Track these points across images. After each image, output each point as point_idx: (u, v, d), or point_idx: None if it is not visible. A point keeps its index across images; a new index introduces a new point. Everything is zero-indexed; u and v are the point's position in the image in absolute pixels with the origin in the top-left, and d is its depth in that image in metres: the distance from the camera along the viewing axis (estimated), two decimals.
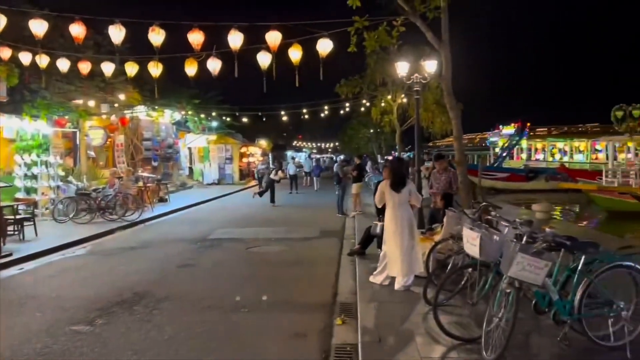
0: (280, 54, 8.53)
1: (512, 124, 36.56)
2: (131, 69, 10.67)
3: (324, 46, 8.03)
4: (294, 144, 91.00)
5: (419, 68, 10.92)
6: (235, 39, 8.13)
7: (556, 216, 19.64)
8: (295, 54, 8.45)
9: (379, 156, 40.43)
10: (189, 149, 32.55)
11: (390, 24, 7.89)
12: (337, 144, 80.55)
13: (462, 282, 5.98)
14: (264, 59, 8.60)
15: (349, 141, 50.25)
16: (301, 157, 75.97)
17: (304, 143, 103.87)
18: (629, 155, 25.16)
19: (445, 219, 7.29)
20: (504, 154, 34.77)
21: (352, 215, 15.62)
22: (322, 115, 29.90)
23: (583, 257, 4.65)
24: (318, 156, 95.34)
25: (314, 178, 29.76)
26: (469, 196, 7.79)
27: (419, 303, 6.13)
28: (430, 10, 7.19)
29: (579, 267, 4.64)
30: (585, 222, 19.31)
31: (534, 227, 5.96)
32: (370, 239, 9.20)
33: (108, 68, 11.04)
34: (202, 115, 29.14)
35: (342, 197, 16.87)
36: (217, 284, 8.13)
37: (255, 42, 8.80)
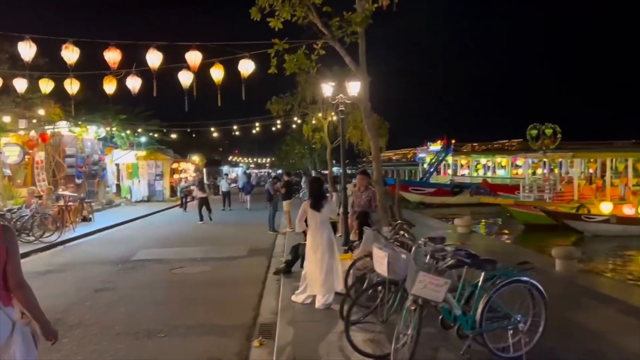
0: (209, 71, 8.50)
1: (439, 141, 38.13)
2: (46, 85, 10.23)
3: (246, 67, 8.10)
4: (229, 159, 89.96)
5: (344, 89, 11.20)
6: (154, 58, 8.03)
7: (479, 230, 20.57)
8: (217, 73, 8.45)
9: (313, 172, 40.80)
10: (117, 165, 31.42)
11: (311, 47, 8.08)
12: (273, 159, 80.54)
13: (379, 300, 6.15)
14: (185, 78, 8.54)
15: (285, 157, 50.45)
16: (238, 172, 75.30)
17: (241, 158, 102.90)
18: (545, 171, 26.89)
19: (363, 237, 7.48)
20: (432, 170, 36.16)
21: (283, 232, 15.65)
22: (254, 131, 29.89)
23: (482, 274, 4.92)
24: (256, 171, 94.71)
25: (246, 196, 27.91)
26: (387, 214, 8.03)
27: (337, 321, 6.23)
28: (348, 36, 7.44)
29: (479, 284, 4.90)
30: (504, 236, 20.30)
31: (444, 243, 6.28)
32: (297, 257, 9.25)
33: (20, 85, 10.53)
34: (129, 132, 28.28)
35: (273, 214, 16.86)
36: (135, 308, 7.87)
37: (178, 60, 8.74)
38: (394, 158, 63.28)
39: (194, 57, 7.94)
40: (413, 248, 5.16)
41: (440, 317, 5.08)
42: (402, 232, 5.96)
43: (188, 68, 8.31)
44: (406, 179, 48.19)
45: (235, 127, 29.04)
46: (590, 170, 24.04)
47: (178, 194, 28.16)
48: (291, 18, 7.53)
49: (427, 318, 5.34)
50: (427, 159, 38.74)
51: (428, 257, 4.83)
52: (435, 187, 33.28)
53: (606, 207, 18.27)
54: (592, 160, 23.59)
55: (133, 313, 7.55)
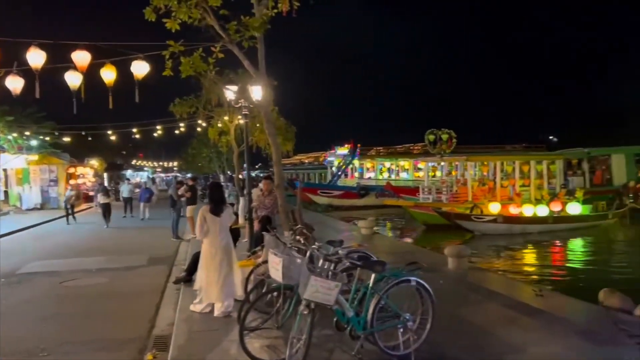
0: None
1: (346, 145, 39.15)
2: None
3: (140, 68, 7.78)
4: (133, 162, 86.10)
5: (249, 92, 11.11)
6: (36, 57, 7.47)
7: (380, 231, 21.31)
8: (108, 74, 8.05)
9: (222, 176, 40.11)
10: (4, 170, 28.88)
11: (210, 49, 7.93)
12: (181, 162, 78.20)
13: (278, 305, 6.15)
14: (72, 79, 8.03)
15: (192, 160, 49.12)
16: (143, 176, 72.12)
17: (147, 162, 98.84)
18: (443, 174, 28.46)
19: (264, 242, 7.45)
20: (340, 173, 37.02)
21: (188, 239, 15.22)
22: (156, 134, 28.78)
23: (373, 275, 5.09)
24: (163, 175, 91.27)
25: (141, 204, 23.91)
26: (288, 219, 8.07)
27: (236, 329, 6.13)
28: (246, 40, 7.39)
29: (370, 285, 5.06)
30: (405, 236, 21.20)
31: (342, 246, 6.43)
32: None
33: None
34: (15, 134, 26.07)
35: (177, 220, 16.34)
36: (17, 326, 7.26)
37: (67, 60, 8.19)
38: (305, 161, 64.00)
39: (81, 58, 7.50)
40: (308, 253, 5.23)
41: (334, 319, 5.18)
42: (298, 237, 6.00)
43: (76, 68, 7.83)
44: (317, 182, 48.87)
45: (135, 130, 27.72)
46: (485, 173, 25.76)
47: (63, 204, 24.61)
48: (188, 20, 7.34)
49: (324, 320, 5.46)
50: (336, 163, 39.60)
51: (321, 261, 4.91)
52: (343, 190, 34.07)
53: (494, 208, 19.66)
54: (485, 163, 25.30)
55: (14, 332, 6.96)
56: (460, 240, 17.08)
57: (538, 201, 20.42)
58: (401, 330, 5.15)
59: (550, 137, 58.81)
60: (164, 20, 7.51)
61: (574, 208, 19.86)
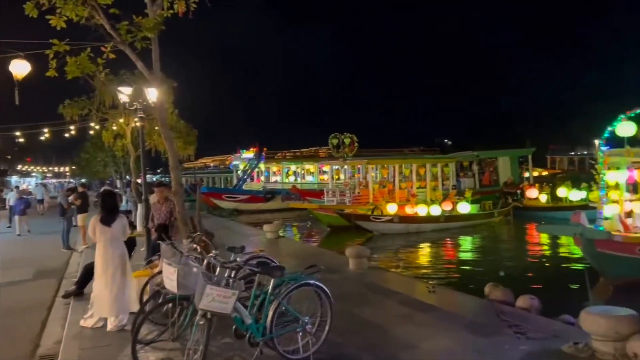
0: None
1: (251, 148, 38.90)
2: None
3: (20, 68, 7.17)
4: (20, 168, 79.45)
5: (144, 94, 10.65)
6: None
7: (286, 234, 21.43)
8: None
9: (118, 182, 38.11)
10: None
11: (100, 49, 7.50)
12: (74, 167, 73.24)
13: (175, 316, 5.95)
14: None
15: (87, 165, 46.15)
16: (31, 183, 66.53)
17: (35, 167, 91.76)
18: (347, 176, 29.19)
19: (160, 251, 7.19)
20: (245, 177, 36.69)
21: (80, 249, 14.29)
22: (43, 138, 26.71)
23: (272, 281, 5.10)
24: (54, 181, 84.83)
25: (15, 217, 20.47)
26: (187, 226, 7.84)
27: (130, 343, 5.85)
28: (139, 41, 7.08)
29: (269, 290, 5.06)
30: (311, 239, 21.47)
31: (244, 252, 6.36)
32: (90, 277, 8.47)
33: None
34: None
35: (67, 230, 15.28)
36: None
37: None
38: (211, 165, 62.59)
39: None
40: (205, 261, 5.12)
41: (234, 327, 5.12)
42: (195, 246, 5.85)
43: None
44: (222, 186, 47.98)
45: (18, 134, 25.53)
46: (385, 176, 26.76)
47: None
48: (75, 17, 6.89)
49: (224, 329, 5.38)
50: (241, 166, 39.18)
51: (218, 268, 4.82)
52: (249, 194, 33.79)
53: (392, 208, 20.51)
54: (385, 166, 26.32)
55: None
56: (361, 241, 17.61)
57: (433, 201, 21.60)
58: (300, 333, 5.21)
59: (445, 141, 62.44)
60: (48, 17, 6.99)
61: (464, 207, 21.28)
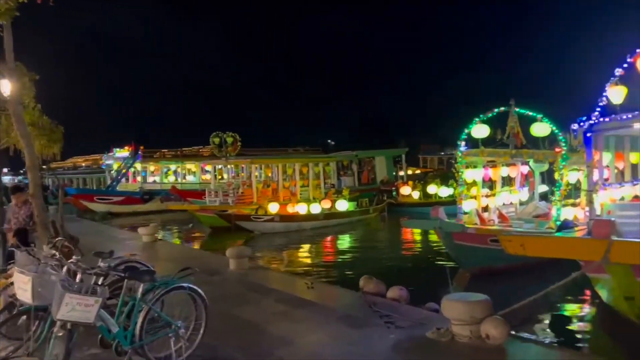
0: None
1: (126, 147, 36.78)
2: None
3: None
4: None
5: None
6: None
7: (166, 237, 20.63)
8: None
9: None
10: None
11: None
12: None
13: (32, 330, 5.44)
14: None
15: None
16: None
17: None
18: (230, 176, 28.81)
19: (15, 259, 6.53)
20: (120, 177, 34.61)
21: None
22: None
23: (141, 286, 4.87)
24: None
25: None
26: (48, 231, 7.21)
27: None
28: None
29: (138, 296, 4.83)
30: (192, 241, 20.88)
31: (113, 256, 6.00)
32: None
33: None
34: None
35: None
36: None
37: None
38: (83, 164, 58.07)
39: None
40: (65, 268, 4.76)
41: (100, 336, 4.82)
42: (54, 252, 5.39)
43: None
44: (94, 187, 44.83)
45: None
46: (269, 175, 26.84)
47: None
48: None
49: (91, 339, 5.04)
50: (115, 166, 36.88)
51: (79, 275, 4.50)
52: (124, 196, 31.93)
53: (273, 208, 20.63)
54: (269, 165, 26.38)
55: None
56: (243, 241, 17.50)
57: (315, 199, 22.12)
58: (173, 338, 5.04)
59: (329, 141, 64.05)
60: None
61: (342, 205, 22.10)
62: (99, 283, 4.94)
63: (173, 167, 38.29)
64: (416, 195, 26.25)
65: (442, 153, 39.23)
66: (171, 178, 37.57)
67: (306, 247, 17.45)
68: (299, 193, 22.71)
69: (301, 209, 20.93)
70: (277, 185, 23.25)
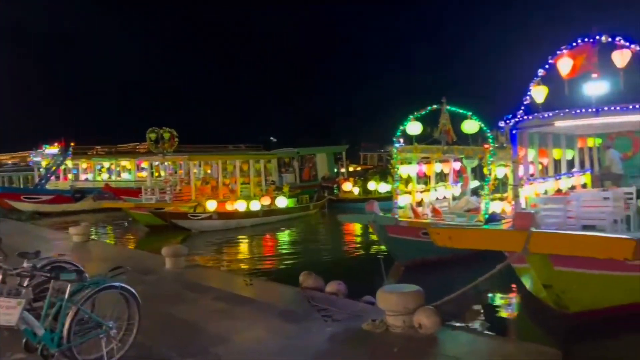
0: None
1: (56, 144, 35.00)
2: None
3: None
4: None
5: None
6: None
7: (100, 236, 19.90)
8: None
9: None
10: None
11: None
12: None
13: None
14: None
15: None
16: None
17: None
18: (168, 173, 28.09)
19: None
20: (49, 175, 32.87)
21: None
22: None
23: (69, 286, 4.69)
24: None
25: None
26: None
27: None
28: None
29: (66, 297, 4.65)
30: (127, 240, 20.24)
31: (39, 257, 5.73)
32: None
33: None
34: None
35: None
36: None
37: None
38: (9, 162, 54.74)
39: None
40: None
41: (24, 339, 4.60)
42: None
43: None
44: (21, 185, 42.40)
45: None
46: (208, 172, 26.35)
47: None
48: None
49: (16, 343, 4.80)
50: (44, 164, 34.99)
51: (1, 277, 4.27)
52: (53, 194, 30.36)
53: (211, 205, 20.32)
54: (208, 162, 25.93)
55: None
56: (180, 240, 17.16)
57: (256, 196, 21.99)
58: (105, 339, 4.89)
59: (271, 138, 63.72)
60: None
61: (281, 202, 22.12)
62: (24, 285, 4.72)
63: (106, 164, 36.90)
64: (357, 191, 26.68)
65: (382, 150, 40.08)
66: (105, 176, 36.19)
67: (245, 244, 17.36)
68: (240, 190, 22.50)
69: (240, 206, 20.75)
70: (217, 182, 22.92)
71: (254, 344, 5.65)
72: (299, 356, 5.29)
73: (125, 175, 35.93)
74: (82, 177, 35.91)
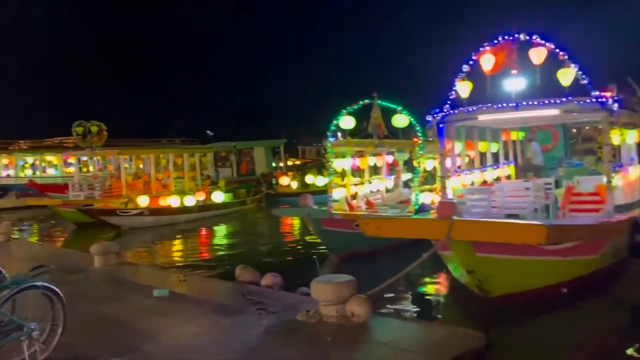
0: None
1: None
2: None
3: None
4: None
5: None
6: None
7: (24, 235, 18.89)
8: None
9: None
10: None
11: None
12: None
13: None
14: None
15: None
16: None
17: None
18: (97, 168, 26.90)
19: None
20: None
21: None
22: None
23: None
24: None
25: None
26: None
27: None
28: None
29: None
30: (54, 239, 19.33)
31: None
32: None
33: None
34: None
35: None
36: None
37: None
38: None
39: None
40: None
41: None
42: None
43: None
44: None
45: None
46: (140, 166, 25.49)
47: None
48: None
49: None
50: None
51: None
52: None
53: (143, 201, 19.62)
54: (139, 156, 25.09)
55: None
56: (110, 237, 16.56)
57: (191, 191, 21.55)
58: (27, 342, 4.69)
59: (208, 132, 62.39)
60: None
61: (218, 196, 21.80)
62: None
63: (30, 159, 34.97)
64: (295, 185, 26.75)
65: (320, 144, 40.36)
66: (28, 171, 34.28)
67: (179, 240, 17.01)
68: (173, 185, 21.97)
69: (174, 201, 20.25)
70: (149, 177, 22.25)
71: (187, 340, 5.59)
72: (233, 350, 5.29)
73: (51, 171, 34.23)
74: (4, 173, 33.89)
